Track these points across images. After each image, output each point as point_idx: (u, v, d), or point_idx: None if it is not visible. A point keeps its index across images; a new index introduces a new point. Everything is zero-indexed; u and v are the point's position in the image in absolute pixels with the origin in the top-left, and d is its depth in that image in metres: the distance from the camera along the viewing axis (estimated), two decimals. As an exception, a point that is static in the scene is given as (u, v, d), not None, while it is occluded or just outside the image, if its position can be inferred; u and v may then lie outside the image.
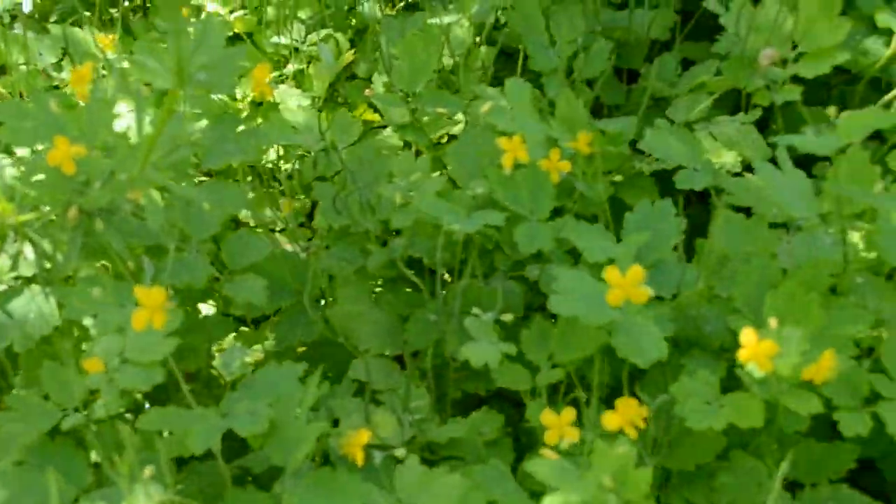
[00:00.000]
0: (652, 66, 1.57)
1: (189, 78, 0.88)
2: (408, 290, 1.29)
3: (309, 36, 1.69)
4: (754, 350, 0.91)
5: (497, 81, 1.48)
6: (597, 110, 1.64)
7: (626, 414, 0.91)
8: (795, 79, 1.29)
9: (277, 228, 1.54)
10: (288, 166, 1.58)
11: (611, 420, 0.91)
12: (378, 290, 1.32)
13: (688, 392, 1.06)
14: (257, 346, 1.38)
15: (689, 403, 1.04)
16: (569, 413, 0.93)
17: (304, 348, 1.30)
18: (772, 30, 1.24)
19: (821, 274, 1.18)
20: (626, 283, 0.95)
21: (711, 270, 1.24)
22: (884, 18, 1.53)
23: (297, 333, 1.28)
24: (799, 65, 1.25)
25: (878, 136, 1.53)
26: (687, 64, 1.56)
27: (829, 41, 1.23)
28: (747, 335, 0.92)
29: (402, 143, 1.51)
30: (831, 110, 1.13)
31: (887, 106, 1.34)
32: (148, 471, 0.89)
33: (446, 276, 1.25)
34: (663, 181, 1.39)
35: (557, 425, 0.92)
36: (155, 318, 0.90)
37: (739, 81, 1.29)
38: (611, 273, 0.95)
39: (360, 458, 0.96)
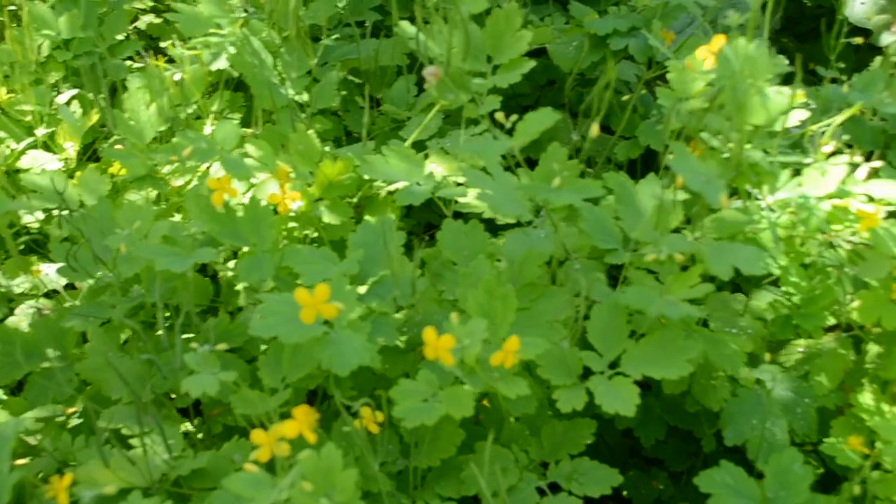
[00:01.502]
0: (390, 91, 1.65)
1: None
2: (159, 333, 1.33)
3: (58, 98, 1.71)
4: (434, 346, 0.98)
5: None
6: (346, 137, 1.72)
7: (305, 421, 0.96)
8: (495, 90, 1.38)
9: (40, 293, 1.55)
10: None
11: (289, 428, 0.96)
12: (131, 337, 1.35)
13: (406, 393, 1.13)
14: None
15: (405, 403, 1.11)
16: (284, 428, 0.98)
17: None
18: (467, 47, 1.33)
19: (531, 265, 1.27)
20: (316, 301, 1.01)
21: (438, 275, 1.32)
22: (590, 23, 1.66)
23: (50, 393, 1.30)
24: (496, 77, 1.34)
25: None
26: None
27: (516, 52, 1.33)
28: (428, 333, 0.99)
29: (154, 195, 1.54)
30: (514, 117, 1.22)
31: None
32: None
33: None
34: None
35: (268, 442, 0.97)
36: None
37: (444, 98, 1.37)
38: (299, 294, 1.01)
39: (63, 500, 0.99)
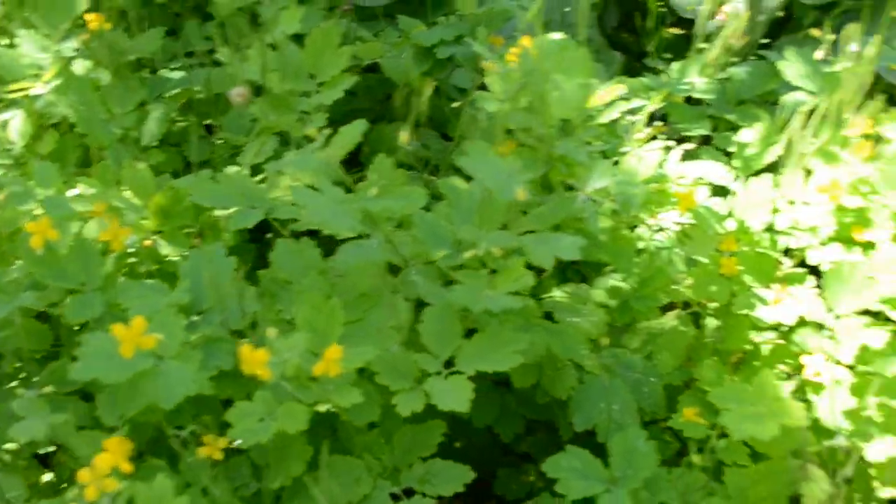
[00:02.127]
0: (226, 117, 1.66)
1: None
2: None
3: None
4: (251, 361, 0.99)
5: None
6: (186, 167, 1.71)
7: (119, 452, 0.96)
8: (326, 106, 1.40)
9: None
10: None
11: (103, 461, 0.96)
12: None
13: (242, 414, 1.13)
14: None
15: (241, 424, 1.12)
16: (97, 462, 0.97)
17: None
18: (290, 68, 1.35)
19: (364, 276, 1.29)
20: (133, 334, 1.01)
21: (275, 295, 1.33)
22: (417, 35, 1.69)
23: None
24: (321, 95, 1.36)
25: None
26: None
27: (337, 69, 1.35)
28: (243, 350, 1.00)
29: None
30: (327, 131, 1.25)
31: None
32: None
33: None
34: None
35: (95, 479, 0.97)
36: None
37: (266, 119, 1.39)
38: (116, 329, 1.01)
39: None
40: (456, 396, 1.16)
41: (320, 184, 1.32)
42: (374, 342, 1.19)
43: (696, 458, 1.41)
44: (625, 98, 1.62)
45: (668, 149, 1.38)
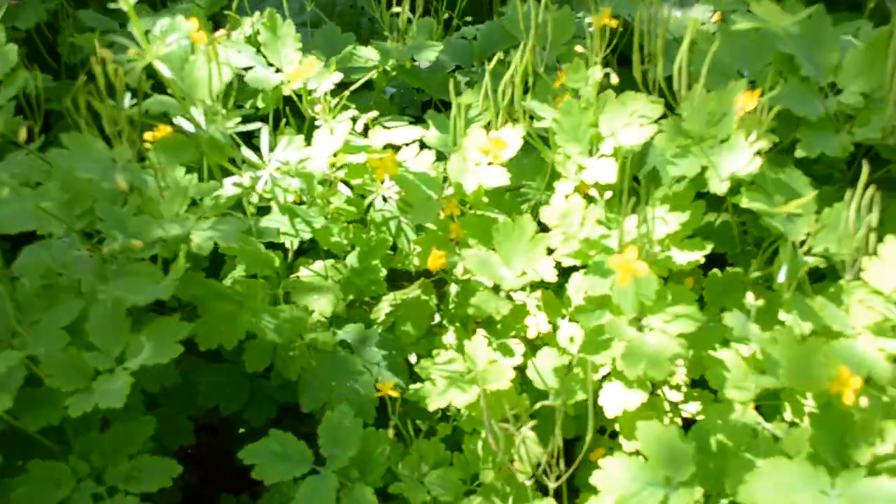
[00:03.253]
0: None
1: None
2: None
3: None
4: None
5: None
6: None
7: None
8: None
9: None
10: None
11: None
12: None
13: None
14: None
15: None
16: None
17: None
18: None
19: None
20: None
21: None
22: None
23: None
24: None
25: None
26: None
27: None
28: None
29: None
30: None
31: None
32: None
33: None
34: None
35: None
36: None
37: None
38: None
39: None
40: (113, 394, 1.14)
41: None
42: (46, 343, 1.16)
43: (441, 428, 1.40)
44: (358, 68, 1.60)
45: (354, 119, 1.34)
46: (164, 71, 1.07)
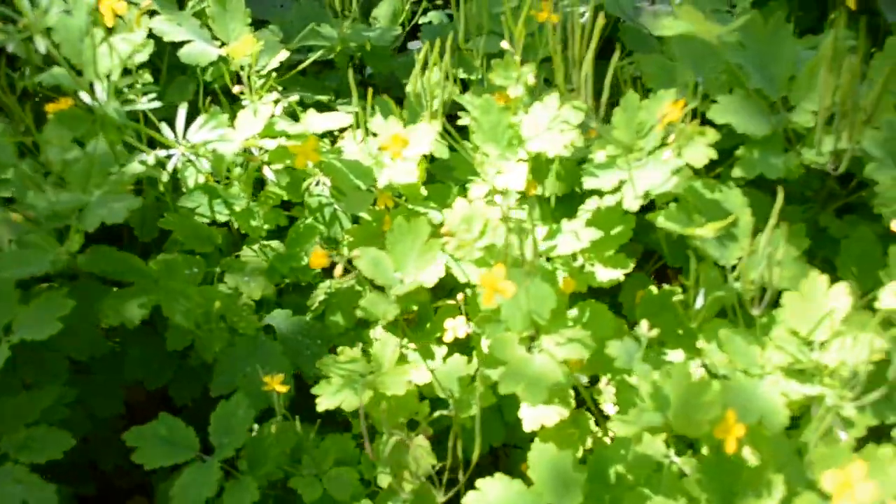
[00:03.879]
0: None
1: None
2: None
3: None
4: None
5: None
6: None
7: None
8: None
9: None
10: None
11: None
12: None
13: None
14: None
15: None
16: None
17: None
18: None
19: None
20: None
21: None
22: None
23: None
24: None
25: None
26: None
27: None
28: None
29: None
30: None
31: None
32: None
33: None
34: None
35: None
36: None
37: None
38: None
39: None
40: (-11, 367, 1.13)
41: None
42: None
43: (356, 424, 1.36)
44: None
45: (276, 102, 1.29)
46: (40, 46, 1.04)
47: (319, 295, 1.47)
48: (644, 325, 1.09)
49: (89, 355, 1.45)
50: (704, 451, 1.11)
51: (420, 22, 1.62)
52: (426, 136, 1.21)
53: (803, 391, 1.06)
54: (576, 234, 1.16)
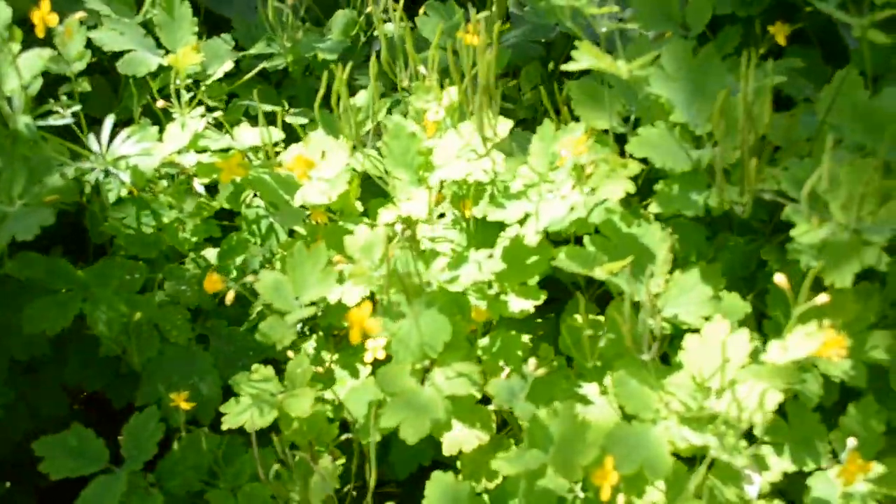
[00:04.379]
0: None
1: None
2: None
3: None
4: None
5: None
6: None
7: None
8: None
9: None
10: None
11: None
12: None
13: None
14: None
15: None
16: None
17: None
18: None
19: None
20: None
21: None
22: None
23: None
24: None
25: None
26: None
27: None
28: None
29: None
30: None
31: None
32: None
33: None
34: None
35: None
36: None
37: None
38: None
39: None
40: None
41: None
42: None
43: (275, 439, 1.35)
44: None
45: (202, 116, 1.29)
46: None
47: (258, 306, 1.47)
48: (531, 363, 1.07)
49: (30, 355, 1.47)
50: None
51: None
52: (340, 158, 1.20)
53: (692, 440, 1.03)
54: (479, 265, 1.14)
